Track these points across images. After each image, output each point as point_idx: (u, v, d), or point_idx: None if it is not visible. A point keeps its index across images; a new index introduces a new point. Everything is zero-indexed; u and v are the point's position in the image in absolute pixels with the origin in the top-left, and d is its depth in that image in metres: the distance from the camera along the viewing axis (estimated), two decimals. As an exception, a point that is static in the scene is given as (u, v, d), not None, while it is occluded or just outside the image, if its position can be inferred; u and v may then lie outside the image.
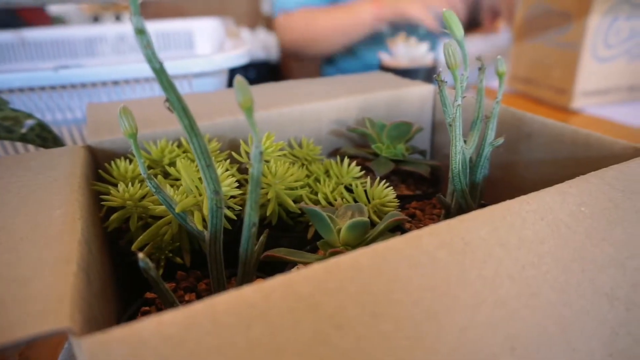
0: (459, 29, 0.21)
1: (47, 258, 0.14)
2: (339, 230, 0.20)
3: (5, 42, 0.65)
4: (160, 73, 0.14)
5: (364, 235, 0.20)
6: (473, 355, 0.13)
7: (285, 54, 0.94)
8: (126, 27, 0.70)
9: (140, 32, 0.14)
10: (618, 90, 0.65)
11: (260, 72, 1.27)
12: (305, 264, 0.21)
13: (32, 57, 0.67)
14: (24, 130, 0.27)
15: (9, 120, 0.27)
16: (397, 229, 0.23)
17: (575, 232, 0.16)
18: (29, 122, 0.27)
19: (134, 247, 0.20)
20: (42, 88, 0.37)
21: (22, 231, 0.16)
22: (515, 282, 0.14)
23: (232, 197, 0.22)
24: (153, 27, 0.69)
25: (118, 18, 1.17)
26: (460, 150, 0.21)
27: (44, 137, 0.27)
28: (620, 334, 0.14)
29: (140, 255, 0.14)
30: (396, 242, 0.15)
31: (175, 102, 0.15)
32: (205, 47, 0.71)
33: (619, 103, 0.65)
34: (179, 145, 0.26)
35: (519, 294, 0.14)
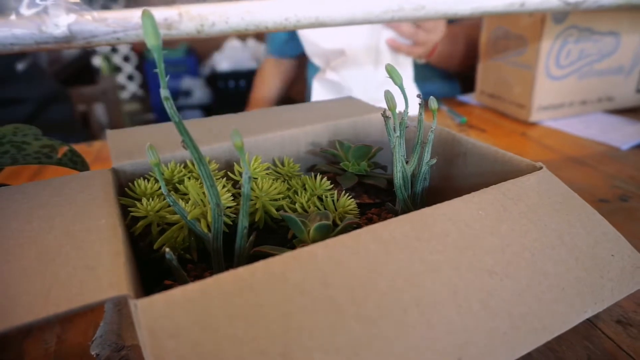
0: (398, 77, 0.28)
1: (104, 253, 0.21)
2: (309, 231, 0.26)
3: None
4: (179, 125, 0.21)
5: (327, 235, 0.26)
6: (390, 310, 0.19)
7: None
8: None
9: (167, 99, 0.20)
10: (571, 104, 0.72)
11: (250, 81, 1.34)
12: (285, 257, 0.28)
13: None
14: (59, 156, 0.33)
15: (47, 148, 0.33)
16: (357, 229, 0.29)
17: (472, 228, 0.23)
18: (63, 149, 0.34)
19: (155, 246, 0.26)
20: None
21: (81, 235, 0.22)
22: (424, 263, 0.21)
23: (228, 207, 0.29)
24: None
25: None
26: (400, 169, 0.28)
27: (75, 160, 0.34)
28: (494, 295, 0.21)
29: (167, 249, 0.21)
30: (342, 237, 0.21)
31: (189, 142, 0.22)
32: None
33: (572, 116, 0.73)
34: (185, 166, 0.32)
35: (425, 270, 0.21)
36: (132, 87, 2.51)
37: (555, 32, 0.66)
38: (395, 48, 0.74)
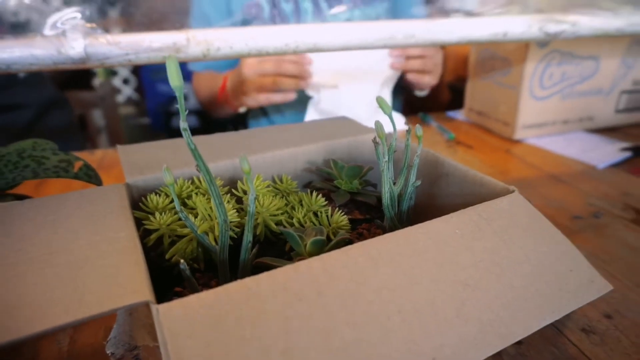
0: (388, 107, 0.31)
1: (124, 262, 0.24)
2: (305, 245, 0.29)
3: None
4: (194, 151, 0.24)
5: (322, 249, 0.29)
6: (375, 316, 0.22)
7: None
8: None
9: (185, 130, 0.23)
10: (554, 123, 0.76)
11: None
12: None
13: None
14: (75, 170, 0.36)
15: (64, 162, 0.36)
16: (349, 243, 0.32)
17: (449, 245, 0.26)
18: (78, 163, 0.36)
19: (167, 256, 0.29)
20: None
21: (104, 246, 0.25)
22: (406, 276, 0.24)
23: (232, 222, 0.32)
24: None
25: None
26: (388, 190, 0.31)
27: (90, 174, 0.37)
28: (466, 304, 0.24)
29: (182, 260, 0.24)
30: (335, 253, 0.24)
31: (202, 167, 0.25)
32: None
33: (555, 134, 0.77)
34: (192, 182, 0.35)
35: (407, 283, 0.24)
36: (128, 91, 2.53)
37: (539, 55, 0.70)
38: (398, 68, 0.79)
